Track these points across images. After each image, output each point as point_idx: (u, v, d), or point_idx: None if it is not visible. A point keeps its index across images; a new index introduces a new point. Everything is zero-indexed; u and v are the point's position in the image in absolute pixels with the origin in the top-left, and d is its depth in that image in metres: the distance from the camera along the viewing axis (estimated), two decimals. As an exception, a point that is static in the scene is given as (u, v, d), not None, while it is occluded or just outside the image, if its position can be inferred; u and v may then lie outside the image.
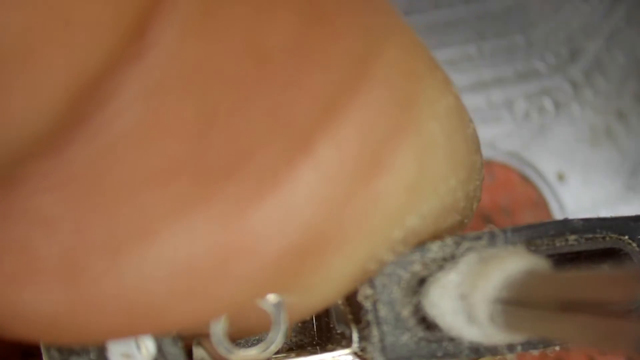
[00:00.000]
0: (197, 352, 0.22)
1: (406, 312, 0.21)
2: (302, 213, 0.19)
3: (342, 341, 0.23)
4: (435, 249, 0.21)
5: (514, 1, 0.37)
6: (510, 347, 0.22)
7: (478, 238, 0.21)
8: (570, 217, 0.24)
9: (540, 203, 0.36)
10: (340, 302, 0.23)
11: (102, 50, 0.16)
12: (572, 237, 0.22)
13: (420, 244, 0.21)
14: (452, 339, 0.21)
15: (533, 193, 0.36)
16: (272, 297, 0.21)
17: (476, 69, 0.37)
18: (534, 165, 0.37)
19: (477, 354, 0.22)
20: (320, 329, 0.25)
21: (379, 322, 0.21)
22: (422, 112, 0.21)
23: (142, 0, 0.17)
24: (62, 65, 0.16)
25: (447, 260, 0.21)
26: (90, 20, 0.16)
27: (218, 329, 0.21)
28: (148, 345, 0.21)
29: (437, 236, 0.22)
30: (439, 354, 0.21)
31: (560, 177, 0.37)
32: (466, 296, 0.20)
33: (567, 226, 0.22)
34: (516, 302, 0.20)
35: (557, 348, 0.22)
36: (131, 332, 0.20)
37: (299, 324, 0.25)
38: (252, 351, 0.21)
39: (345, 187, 0.20)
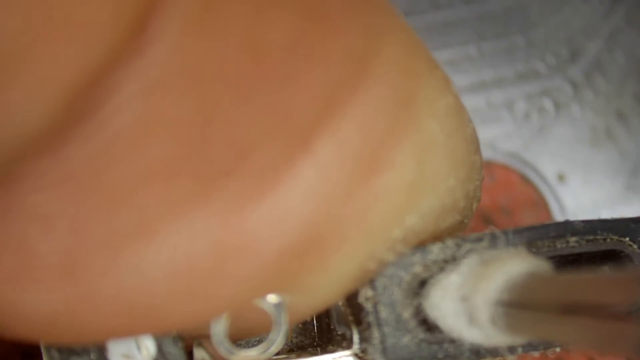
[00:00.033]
0: (198, 353, 0.22)
1: (407, 313, 0.21)
2: (302, 211, 0.19)
3: (343, 342, 0.23)
4: (436, 251, 0.21)
5: (514, 1, 0.37)
6: (511, 349, 0.22)
7: (479, 240, 0.21)
8: (571, 217, 0.24)
9: (541, 203, 0.36)
10: (341, 303, 0.23)
11: (101, 47, 0.16)
12: (573, 239, 0.22)
13: (421, 245, 0.21)
14: (453, 341, 0.21)
15: (533, 193, 0.36)
16: (272, 298, 0.21)
17: (476, 69, 0.37)
18: (534, 166, 0.37)
19: (478, 356, 0.22)
20: (321, 330, 0.25)
21: (379, 324, 0.21)
22: (422, 110, 0.21)
23: None
24: (61, 62, 0.16)
25: (448, 262, 0.21)
26: (90, 17, 0.16)
27: (219, 330, 0.21)
28: (148, 346, 0.21)
29: (437, 237, 0.22)
30: (440, 355, 0.21)
31: (561, 178, 0.37)
32: (467, 298, 0.20)
33: (568, 228, 0.22)
34: (517, 304, 0.20)
35: (558, 350, 0.22)
36: (131, 332, 0.20)
37: (300, 325, 0.25)
38: (253, 352, 0.21)
39: (345, 185, 0.20)
